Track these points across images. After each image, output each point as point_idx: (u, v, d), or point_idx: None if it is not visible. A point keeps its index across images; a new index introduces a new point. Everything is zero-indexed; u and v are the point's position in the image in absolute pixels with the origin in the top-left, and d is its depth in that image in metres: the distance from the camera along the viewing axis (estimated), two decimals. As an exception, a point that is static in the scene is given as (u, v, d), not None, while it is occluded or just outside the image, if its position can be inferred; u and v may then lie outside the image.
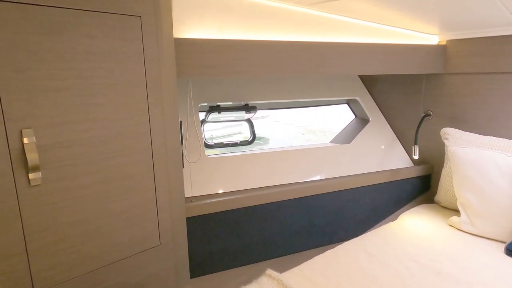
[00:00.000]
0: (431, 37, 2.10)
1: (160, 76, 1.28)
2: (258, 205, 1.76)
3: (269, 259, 1.89)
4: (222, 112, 2.00)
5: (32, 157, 1.00)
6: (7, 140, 0.97)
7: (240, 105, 2.06)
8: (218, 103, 1.99)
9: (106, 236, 1.23)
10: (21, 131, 0.99)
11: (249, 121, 2.24)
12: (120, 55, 1.16)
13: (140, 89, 1.24)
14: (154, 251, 1.38)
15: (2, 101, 0.95)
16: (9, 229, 1.01)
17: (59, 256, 1.12)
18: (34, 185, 1.03)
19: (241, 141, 2.16)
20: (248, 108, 2.06)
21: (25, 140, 0.99)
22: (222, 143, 2.10)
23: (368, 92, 2.38)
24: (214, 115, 2.00)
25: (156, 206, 1.35)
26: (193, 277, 1.67)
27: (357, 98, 2.33)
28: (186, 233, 1.50)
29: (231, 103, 2.05)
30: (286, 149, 2.07)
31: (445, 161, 1.95)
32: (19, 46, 0.96)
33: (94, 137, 1.15)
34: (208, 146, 2.00)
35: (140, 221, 1.32)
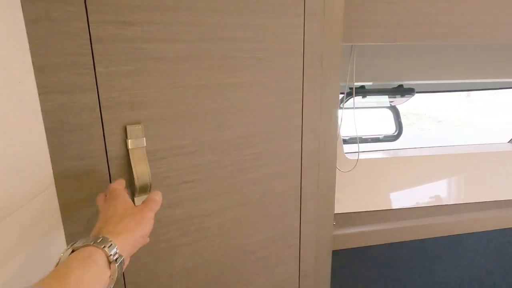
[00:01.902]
0: None
1: (321, 40, 0.79)
2: (428, 238, 1.21)
3: None
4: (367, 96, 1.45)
5: (141, 171, 0.60)
6: (105, 143, 0.58)
7: (389, 88, 1.49)
8: (362, 84, 1.45)
9: (241, 279, 0.82)
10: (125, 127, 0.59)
11: (394, 108, 1.66)
12: (271, 7, 0.70)
13: (295, 60, 0.76)
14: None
15: (96, 75, 0.55)
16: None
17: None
18: None
19: (384, 136, 1.60)
20: (402, 91, 1.48)
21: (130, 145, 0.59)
22: (360, 137, 1.57)
23: None
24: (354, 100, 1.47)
25: (299, 239, 0.90)
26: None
27: None
28: (330, 275, 1.04)
29: (371, 83, 1.50)
30: (466, 151, 1.44)
31: None
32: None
33: (229, 140, 0.71)
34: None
35: (279, 262, 0.88)
